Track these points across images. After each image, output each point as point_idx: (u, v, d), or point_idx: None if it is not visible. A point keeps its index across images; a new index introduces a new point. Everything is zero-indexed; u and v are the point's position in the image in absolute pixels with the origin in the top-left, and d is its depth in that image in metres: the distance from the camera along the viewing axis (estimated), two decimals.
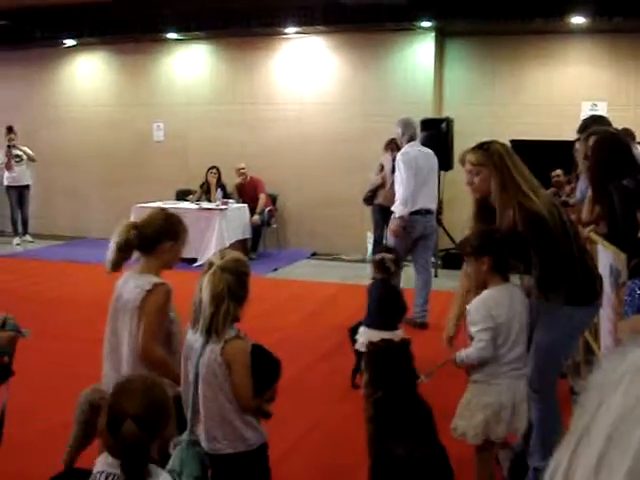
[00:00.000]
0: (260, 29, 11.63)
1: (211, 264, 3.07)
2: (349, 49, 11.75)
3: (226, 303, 2.99)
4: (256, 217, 11.55)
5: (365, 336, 4.99)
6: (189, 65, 12.82)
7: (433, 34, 11.26)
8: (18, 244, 12.68)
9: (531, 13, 10.04)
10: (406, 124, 7.72)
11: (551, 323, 3.58)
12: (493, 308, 3.56)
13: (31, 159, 12.66)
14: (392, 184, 8.05)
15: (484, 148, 3.95)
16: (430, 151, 7.81)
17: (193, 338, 3.11)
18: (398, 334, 4.75)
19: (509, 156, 3.91)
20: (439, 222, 10.14)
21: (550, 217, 3.53)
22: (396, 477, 2.82)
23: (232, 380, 3.01)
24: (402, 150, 7.67)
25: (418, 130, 8.04)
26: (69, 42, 13.03)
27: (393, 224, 7.58)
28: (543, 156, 9.23)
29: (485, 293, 3.64)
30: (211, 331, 2.99)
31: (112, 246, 3.49)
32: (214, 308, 2.98)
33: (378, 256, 5.63)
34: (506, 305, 3.59)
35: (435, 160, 7.87)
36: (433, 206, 7.73)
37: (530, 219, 3.54)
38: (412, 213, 7.44)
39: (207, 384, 3.02)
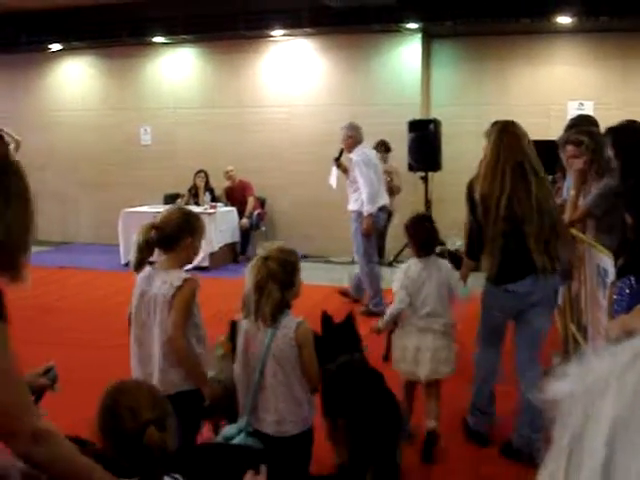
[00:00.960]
0: (247, 32, 11.61)
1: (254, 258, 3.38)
2: (336, 51, 11.75)
3: (268, 288, 3.24)
4: (245, 220, 11.53)
5: None
6: (176, 68, 12.80)
7: (420, 35, 11.28)
8: None
9: (517, 13, 10.06)
10: (356, 127, 8.31)
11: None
12: (408, 273, 4.53)
13: (17, 145, 12.53)
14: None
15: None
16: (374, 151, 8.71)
17: (253, 328, 3.34)
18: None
19: None
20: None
21: None
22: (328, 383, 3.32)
23: (303, 361, 3.30)
24: (358, 152, 8.17)
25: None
26: (55, 46, 12.99)
27: (366, 224, 7.95)
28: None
29: (404, 264, 4.78)
30: (265, 317, 3.25)
31: (134, 247, 3.60)
32: (258, 295, 3.25)
33: None
34: (417, 272, 4.52)
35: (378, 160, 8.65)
36: (386, 202, 8.46)
37: None
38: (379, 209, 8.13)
39: (280, 367, 3.27)
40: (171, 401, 2.41)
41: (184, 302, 3.45)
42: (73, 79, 13.53)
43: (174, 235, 3.58)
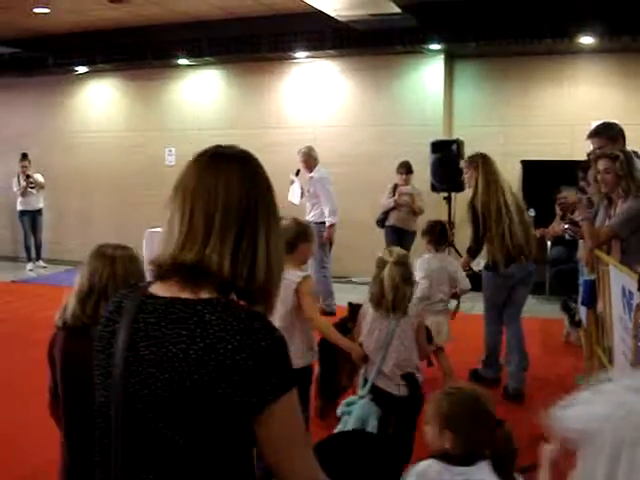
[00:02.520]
0: (270, 54, 11.70)
1: (383, 261, 4.18)
2: (359, 72, 11.80)
3: (402, 290, 4.08)
4: None
5: None
6: (200, 90, 12.91)
7: (442, 56, 11.31)
8: (31, 270, 12.74)
9: (540, 34, 10.06)
10: (314, 150, 9.71)
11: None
12: (431, 266, 5.82)
13: (41, 186, 12.77)
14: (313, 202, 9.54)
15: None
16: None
17: (376, 315, 4.17)
18: None
19: None
20: (451, 243, 10.14)
21: None
22: None
23: (418, 339, 4.24)
24: (319, 171, 9.58)
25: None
26: (81, 69, 13.16)
27: (329, 233, 9.19)
28: (554, 176, 9.24)
29: (423, 257, 5.99)
30: (396, 310, 4.07)
31: None
32: (394, 294, 4.06)
33: None
34: (436, 265, 5.85)
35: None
36: None
37: None
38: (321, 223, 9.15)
39: (404, 345, 4.13)
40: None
41: (308, 291, 4.24)
42: (99, 101, 13.68)
43: (293, 241, 4.20)
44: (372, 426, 3.93)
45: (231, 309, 1.54)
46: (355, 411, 3.97)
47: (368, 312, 4.26)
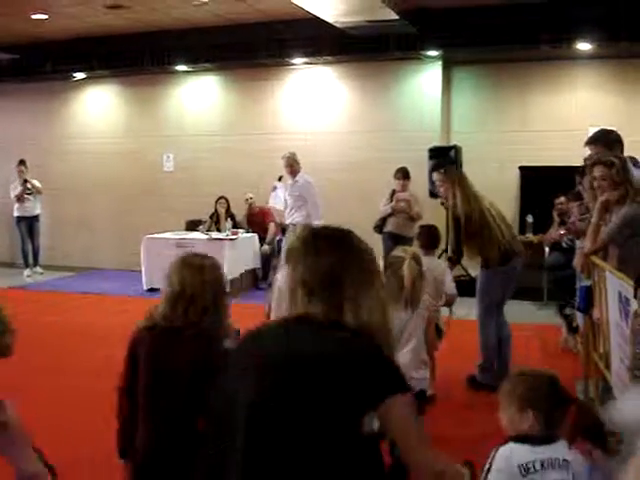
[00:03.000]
0: (268, 60, 11.72)
1: (400, 258, 4.18)
2: (356, 79, 11.82)
3: (418, 283, 4.15)
4: (266, 247, 11.57)
5: None
6: (198, 96, 12.92)
7: (440, 63, 11.32)
8: (28, 276, 12.72)
9: (537, 40, 10.07)
10: (294, 158, 10.01)
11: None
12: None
13: (38, 192, 12.76)
14: (297, 207, 9.96)
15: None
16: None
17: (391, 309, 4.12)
18: None
19: None
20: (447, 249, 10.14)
21: None
22: None
23: (428, 332, 4.58)
24: (304, 176, 10.05)
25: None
26: (79, 75, 13.16)
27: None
28: (553, 182, 9.25)
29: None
30: (413, 303, 4.14)
31: None
32: (412, 288, 4.10)
33: None
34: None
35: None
36: None
37: None
38: None
39: (417, 336, 4.31)
40: None
41: None
42: (96, 107, 13.68)
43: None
44: None
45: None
46: None
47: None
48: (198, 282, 2.90)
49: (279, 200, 10.63)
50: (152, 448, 2.89)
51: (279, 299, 4.18)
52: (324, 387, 1.89)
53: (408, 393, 1.98)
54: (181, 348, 2.81)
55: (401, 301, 4.09)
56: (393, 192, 10.08)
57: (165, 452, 2.84)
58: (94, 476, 4.59)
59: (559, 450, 2.62)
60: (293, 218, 9.97)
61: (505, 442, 2.66)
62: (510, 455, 2.59)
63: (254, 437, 1.89)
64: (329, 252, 2.07)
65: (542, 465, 2.57)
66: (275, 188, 10.69)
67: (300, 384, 1.91)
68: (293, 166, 10.04)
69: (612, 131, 5.95)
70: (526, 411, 2.65)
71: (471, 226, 6.04)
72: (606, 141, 5.71)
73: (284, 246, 4.06)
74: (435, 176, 6.77)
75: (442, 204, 10.55)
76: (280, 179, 10.60)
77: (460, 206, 6.14)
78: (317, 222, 9.51)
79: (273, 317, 2.63)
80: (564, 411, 2.69)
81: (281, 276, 4.16)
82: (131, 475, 2.97)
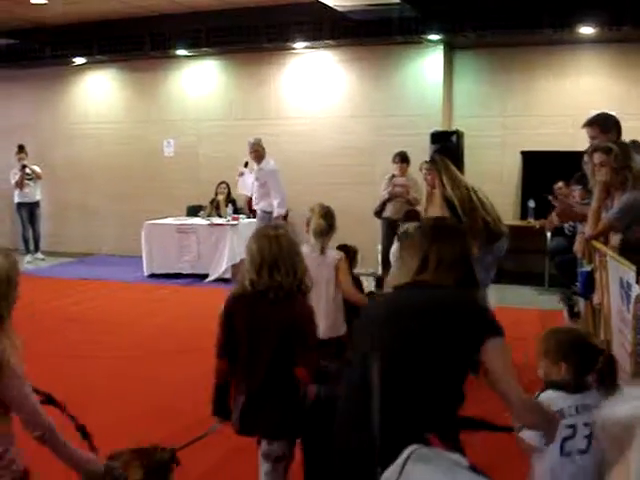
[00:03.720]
0: (269, 44, 11.65)
1: (408, 232, 4.82)
2: (358, 63, 11.76)
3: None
4: None
5: None
6: (199, 81, 12.87)
7: (442, 47, 11.25)
8: (29, 262, 12.72)
9: (540, 24, 10.00)
10: (259, 144, 10.12)
11: None
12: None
13: (38, 177, 12.74)
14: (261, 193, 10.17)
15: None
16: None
17: None
18: None
19: None
20: None
21: None
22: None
23: None
24: (269, 164, 10.13)
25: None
26: (79, 60, 13.10)
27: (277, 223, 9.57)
28: (555, 167, 9.21)
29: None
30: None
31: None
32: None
33: None
34: None
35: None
36: None
37: None
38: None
39: None
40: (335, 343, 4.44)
41: (345, 268, 4.97)
42: (97, 92, 13.64)
43: (332, 223, 5.08)
44: None
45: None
46: None
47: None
48: (276, 250, 3.33)
49: (246, 186, 10.69)
50: (252, 400, 3.33)
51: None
52: (441, 329, 2.45)
53: (501, 336, 2.49)
54: (270, 308, 3.28)
55: None
56: (392, 176, 10.05)
57: (264, 401, 3.29)
58: None
59: (591, 397, 2.97)
60: (259, 205, 10.16)
61: (543, 390, 2.99)
62: (548, 401, 2.86)
63: (389, 370, 2.40)
64: (445, 240, 2.67)
65: (577, 410, 2.90)
66: (242, 174, 10.65)
67: (422, 328, 2.46)
68: (258, 152, 10.12)
69: (610, 116, 5.93)
70: (558, 363, 3.02)
71: (463, 207, 6.39)
72: (602, 124, 5.70)
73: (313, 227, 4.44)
74: (423, 166, 7.31)
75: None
76: (246, 165, 10.67)
77: (450, 190, 6.51)
78: (280, 210, 9.90)
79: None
80: (593, 362, 3.13)
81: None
82: (234, 428, 3.45)
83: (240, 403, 3.38)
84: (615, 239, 4.90)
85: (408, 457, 2.10)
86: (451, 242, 2.70)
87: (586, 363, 3.08)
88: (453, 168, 6.73)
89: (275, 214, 9.92)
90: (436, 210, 6.96)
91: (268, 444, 3.42)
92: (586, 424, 2.90)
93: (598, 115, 5.94)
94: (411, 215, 7.17)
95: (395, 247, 6.39)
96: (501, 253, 6.51)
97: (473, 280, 2.74)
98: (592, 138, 5.66)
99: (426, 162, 7.25)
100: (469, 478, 2.05)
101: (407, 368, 2.45)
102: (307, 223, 5.11)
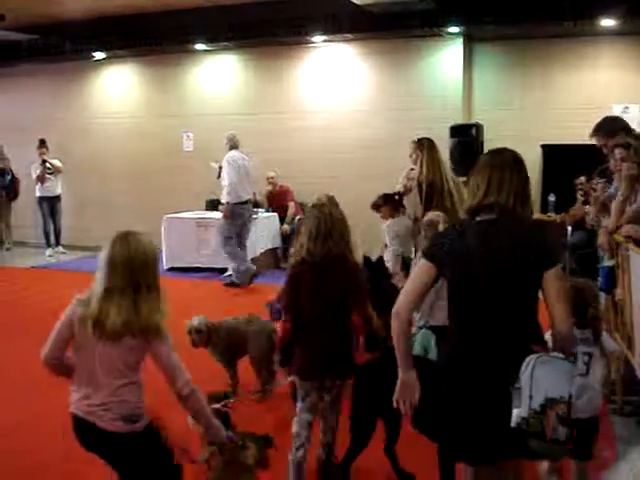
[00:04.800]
0: (288, 38, 11.64)
1: (435, 221, 5.31)
2: (377, 56, 11.72)
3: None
4: (286, 226, 11.55)
5: None
6: (218, 75, 12.88)
7: (461, 39, 11.19)
8: (50, 256, 12.81)
9: (560, 16, 9.91)
10: (230, 138, 10.43)
11: None
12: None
13: (58, 171, 12.81)
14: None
15: None
16: (246, 156, 10.44)
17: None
18: None
19: None
20: None
21: None
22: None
23: None
24: (228, 157, 10.24)
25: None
26: (99, 55, 13.16)
27: (225, 209, 10.09)
28: (575, 160, 9.14)
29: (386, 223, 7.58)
30: None
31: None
32: None
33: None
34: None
35: (248, 163, 10.44)
36: (250, 197, 10.39)
37: None
38: (239, 203, 10.09)
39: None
40: None
41: None
42: (116, 87, 13.69)
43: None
44: (433, 353, 4.47)
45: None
46: (418, 339, 4.57)
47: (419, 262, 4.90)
48: (330, 223, 3.94)
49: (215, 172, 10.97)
50: (316, 349, 3.92)
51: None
52: (527, 259, 2.84)
53: (561, 264, 2.92)
54: (327, 270, 3.89)
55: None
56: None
57: (328, 349, 3.92)
58: None
59: (589, 333, 3.66)
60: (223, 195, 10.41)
61: None
62: None
63: (491, 288, 2.88)
64: (504, 167, 3.03)
65: (580, 340, 3.51)
66: (221, 167, 10.61)
67: (516, 259, 2.85)
68: (228, 144, 10.43)
69: (616, 118, 5.99)
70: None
71: (432, 192, 6.81)
72: (608, 129, 5.75)
73: None
74: (410, 146, 7.58)
75: (463, 183, 10.56)
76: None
77: (424, 173, 7.02)
78: (225, 199, 10.10)
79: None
80: (585, 309, 3.65)
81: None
82: (295, 374, 4.07)
83: (305, 354, 3.97)
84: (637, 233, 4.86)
85: (533, 366, 2.68)
86: (509, 169, 3.02)
87: (581, 308, 3.59)
88: (437, 154, 7.15)
89: (224, 201, 10.19)
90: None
91: (332, 384, 3.99)
92: (585, 353, 3.59)
93: (603, 120, 5.97)
94: (388, 199, 7.73)
95: (391, 222, 7.01)
96: None
97: (528, 198, 3.07)
98: (603, 146, 5.73)
99: (413, 142, 7.55)
100: (574, 369, 2.87)
101: (510, 291, 2.87)
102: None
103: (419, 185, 7.10)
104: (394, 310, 2.97)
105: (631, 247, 4.68)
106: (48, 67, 13.74)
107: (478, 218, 2.97)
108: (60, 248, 13.11)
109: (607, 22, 9.95)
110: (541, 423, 2.63)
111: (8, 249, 13.49)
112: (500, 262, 2.86)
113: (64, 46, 12.96)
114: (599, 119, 6.08)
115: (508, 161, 3.07)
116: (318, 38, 11.71)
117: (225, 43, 12.24)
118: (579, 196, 8.91)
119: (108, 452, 3.16)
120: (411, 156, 7.55)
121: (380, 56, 11.69)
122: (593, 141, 5.90)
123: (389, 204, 7.55)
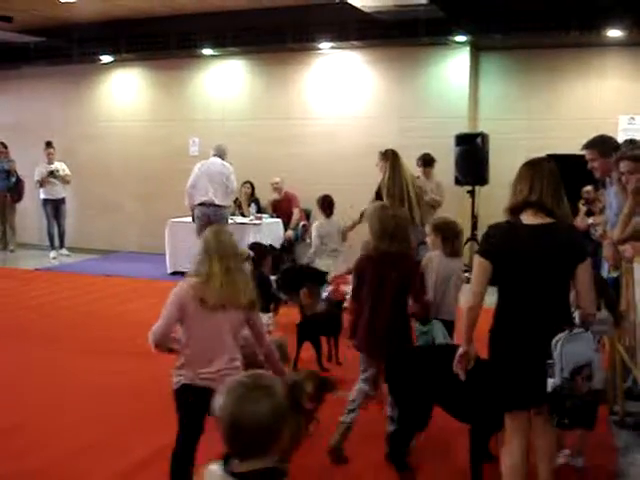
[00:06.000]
0: (295, 44, 11.66)
1: (455, 223, 5.47)
2: (383, 64, 11.73)
3: (461, 238, 5.52)
4: (290, 232, 11.53)
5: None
6: (224, 81, 12.90)
7: (468, 48, 11.20)
8: (54, 258, 12.81)
9: (567, 26, 9.93)
10: (215, 147, 10.70)
11: None
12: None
13: (66, 182, 12.82)
14: None
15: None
16: (220, 161, 10.55)
17: (442, 258, 5.11)
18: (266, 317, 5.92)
19: None
20: (474, 238, 10.06)
21: None
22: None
23: (461, 277, 5.27)
24: (196, 165, 10.61)
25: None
26: (106, 58, 13.19)
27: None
28: (582, 170, 9.12)
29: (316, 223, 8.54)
30: (458, 253, 5.26)
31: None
32: (459, 241, 5.37)
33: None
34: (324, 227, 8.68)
35: (221, 168, 10.48)
36: (217, 200, 10.34)
37: None
38: (199, 205, 10.34)
39: (458, 281, 5.14)
40: None
41: None
42: (123, 90, 13.71)
43: None
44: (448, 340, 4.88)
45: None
46: (438, 327, 4.86)
47: (435, 258, 5.18)
48: (393, 223, 4.53)
49: None
50: (374, 328, 4.50)
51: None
52: (565, 252, 3.46)
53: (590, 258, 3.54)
54: (389, 265, 4.47)
55: (452, 252, 5.18)
56: (417, 178, 10.05)
57: (386, 332, 4.46)
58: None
59: (604, 314, 4.27)
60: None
61: None
62: None
63: (537, 277, 3.46)
64: (542, 173, 3.64)
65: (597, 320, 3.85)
66: None
67: (557, 251, 3.45)
68: (212, 152, 10.72)
69: (610, 138, 6.03)
70: None
71: (389, 199, 7.10)
72: (602, 148, 5.81)
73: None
74: (378, 156, 7.96)
75: (468, 192, 10.55)
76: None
77: (385, 181, 7.42)
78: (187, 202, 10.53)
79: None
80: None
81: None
82: (358, 345, 4.65)
83: (366, 331, 4.54)
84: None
85: (562, 344, 3.30)
86: (546, 175, 3.61)
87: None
88: (401, 166, 7.55)
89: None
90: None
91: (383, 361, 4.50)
92: (598, 332, 3.99)
93: (599, 138, 6.01)
94: (327, 200, 8.80)
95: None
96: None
97: (562, 199, 3.60)
98: (591, 161, 5.79)
99: (380, 152, 8.02)
100: (593, 339, 3.48)
101: (551, 280, 3.47)
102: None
103: (377, 193, 7.58)
104: (470, 303, 3.59)
105: (635, 260, 4.67)
106: (55, 70, 13.77)
107: (526, 220, 3.52)
108: (64, 250, 13.12)
109: (614, 33, 9.96)
110: (571, 386, 3.33)
111: (12, 251, 13.48)
112: (546, 256, 3.44)
113: (71, 49, 13.00)
114: (605, 129, 6.10)
115: (545, 169, 3.66)
116: (325, 45, 11.73)
117: (232, 48, 12.26)
118: (581, 206, 8.90)
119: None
120: (377, 165, 7.92)
121: (387, 64, 11.70)
122: (584, 153, 5.99)
123: (320, 205, 8.96)
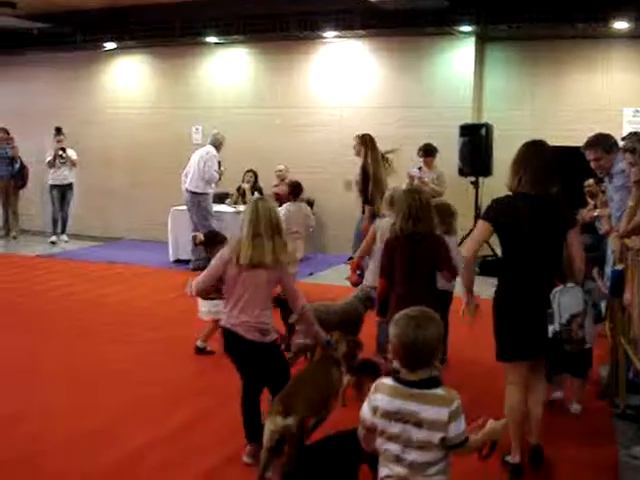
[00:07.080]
0: (299, 33, 11.61)
1: (449, 206, 6.38)
2: (388, 53, 11.69)
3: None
4: None
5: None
6: (228, 69, 12.86)
7: (473, 39, 11.16)
8: (53, 242, 12.81)
9: (573, 18, 9.88)
10: (211, 136, 10.93)
11: None
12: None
13: (73, 164, 12.81)
14: None
15: None
16: (207, 148, 10.80)
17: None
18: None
19: None
20: None
21: None
22: None
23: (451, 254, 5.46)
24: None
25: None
26: (109, 45, 13.15)
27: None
28: (584, 163, 9.08)
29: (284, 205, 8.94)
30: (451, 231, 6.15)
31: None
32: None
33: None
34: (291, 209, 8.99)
35: (202, 154, 10.72)
36: (190, 187, 10.66)
37: None
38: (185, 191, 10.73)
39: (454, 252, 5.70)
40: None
41: None
42: (127, 77, 13.68)
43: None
44: None
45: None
46: None
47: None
48: (418, 205, 4.94)
49: None
50: (408, 302, 4.32)
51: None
52: (558, 219, 4.05)
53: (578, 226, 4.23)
54: (417, 245, 4.91)
55: (447, 230, 5.89)
56: (419, 168, 10.08)
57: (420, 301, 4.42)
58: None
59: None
60: None
61: None
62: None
63: (534, 239, 4.02)
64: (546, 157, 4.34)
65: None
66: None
67: (551, 218, 4.03)
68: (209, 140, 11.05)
69: (610, 136, 5.99)
70: None
71: (376, 179, 8.44)
72: (605, 145, 5.77)
73: None
74: (354, 139, 9.06)
75: (472, 183, 10.53)
76: None
77: (370, 163, 8.65)
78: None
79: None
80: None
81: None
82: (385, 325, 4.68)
83: (397, 304, 4.64)
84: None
85: (559, 297, 4.13)
86: (541, 154, 4.38)
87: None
88: (376, 148, 8.81)
89: None
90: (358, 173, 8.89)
91: None
92: (589, 289, 4.66)
93: (600, 136, 5.98)
94: (293, 185, 9.26)
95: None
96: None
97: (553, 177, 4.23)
98: (596, 160, 5.74)
99: (357, 136, 9.07)
100: (584, 293, 4.29)
101: (547, 241, 4.04)
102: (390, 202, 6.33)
103: (363, 171, 8.73)
104: (465, 253, 4.26)
105: None
106: (59, 56, 13.74)
107: (523, 191, 4.05)
108: (64, 237, 13.11)
109: (620, 24, 9.91)
110: (568, 331, 4.08)
111: (14, 237, 13.48)
112: (541, 221, 3.97)
113: (75, 35, 12.96)
114: (610, 121, 6.08)
115: (538, 149, 4.39)
116: (330, 34, 11.68)
117: (236, 36, 12.22)
118: (589, 199, 8.87)
119: (243, 355, 4.34)
120: (354, 148, 9.02)
121: (391, 53, 11.66)
122: (622, 130, 5.93)
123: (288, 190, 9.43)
